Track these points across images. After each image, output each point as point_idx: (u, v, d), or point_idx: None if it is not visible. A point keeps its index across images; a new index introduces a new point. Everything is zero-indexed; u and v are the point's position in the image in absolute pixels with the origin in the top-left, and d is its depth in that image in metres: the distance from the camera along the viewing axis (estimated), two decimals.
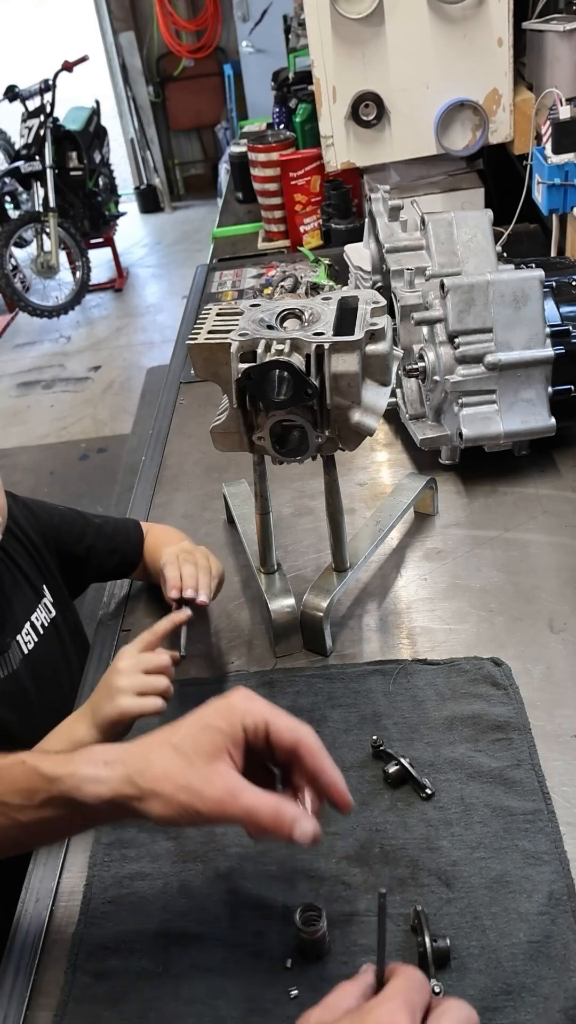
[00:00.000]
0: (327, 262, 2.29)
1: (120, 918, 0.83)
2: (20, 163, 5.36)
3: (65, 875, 0.89)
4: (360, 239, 1.77)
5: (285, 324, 0.99)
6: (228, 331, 0.96)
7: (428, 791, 0.88)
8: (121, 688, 0.90)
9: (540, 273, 1.30)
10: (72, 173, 5.57)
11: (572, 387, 1.34)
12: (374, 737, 0.94)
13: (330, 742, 0.96)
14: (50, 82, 5.36)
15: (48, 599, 1.19)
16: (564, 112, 1.72)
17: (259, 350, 0.93)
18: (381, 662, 1.07)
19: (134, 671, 0.91)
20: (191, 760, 0.68)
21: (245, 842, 0.86)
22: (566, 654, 1.05)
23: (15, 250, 5.44)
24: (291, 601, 1.11)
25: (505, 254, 1.47)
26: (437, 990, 0.71)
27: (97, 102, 6.06)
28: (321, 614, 1.08)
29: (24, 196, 5.58)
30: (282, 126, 2.90)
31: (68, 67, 5.34)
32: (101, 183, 5.98)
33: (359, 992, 0.56)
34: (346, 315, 0.98)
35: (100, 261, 6.29)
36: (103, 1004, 0.76)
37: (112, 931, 0.82)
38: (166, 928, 0.81)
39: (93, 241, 6.07)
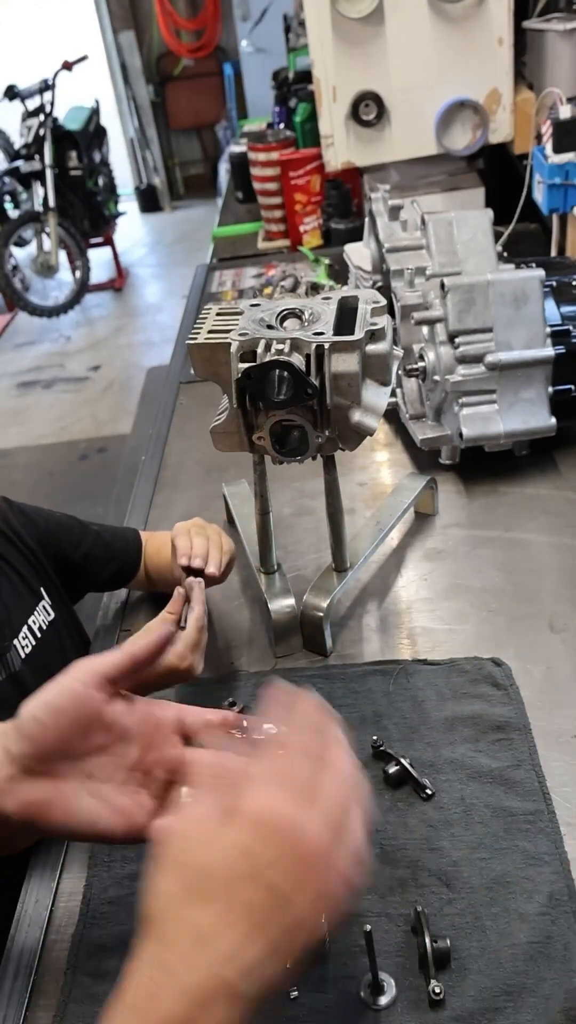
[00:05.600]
0: (327, 262, 2.29)
1: (120, 918, 0.82)
2: (20, 163, 5.37)
3: (65, 875, 0.89)
4: (360, 239, 1.77)
5: (285, 324, 0.99)
6: (228, 331, 0.96)
7: (428, 791, 0.88)
8: None
9: (540, 273, 1.30)
10: (72, 173, 5.59)
11: (572, 387, 1.34)
12: (374, 737, 0.94)
13: None
14: (50, 82, 5.37)
15: (46, 601, 1.18)
16: (564, 111, 1.72)
17: (259, 350, 0.93)
18: (381, 662, 1.07)
19: None
20: None
21: None
22: (566, 654, 1.05)
23: (15, 250, 5.44)
24: (291, 601, 1.11)
25: (505, 254, 1.47)
26: (437, 990, 0.71)
27: (97, 102, 6.07)
28: (321, 614, 1.08)
29: (24, 196, 5.59)
30: (282, 126, 2.90)
31: (68, 66, 5.35)
32: (101, 183, 5.99)
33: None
34: (346, 315, 0.98)
35: (100, 261, 6.30)
36: (103, 1004, 0.76)
37: (112, 931, 0.81)
38: None
39: (93, 241, 6.08)
